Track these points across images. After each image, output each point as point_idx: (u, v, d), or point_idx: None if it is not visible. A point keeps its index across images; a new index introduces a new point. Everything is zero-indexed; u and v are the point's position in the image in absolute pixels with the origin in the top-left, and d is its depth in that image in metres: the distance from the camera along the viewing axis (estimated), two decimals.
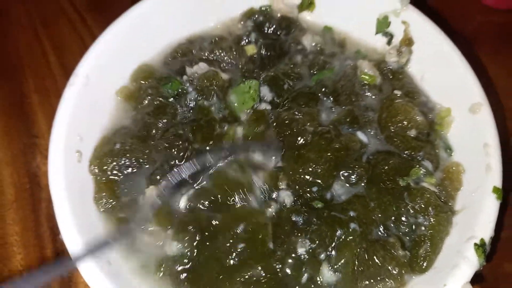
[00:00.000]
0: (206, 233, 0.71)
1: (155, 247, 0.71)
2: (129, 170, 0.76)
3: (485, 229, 0.66)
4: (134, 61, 0.86)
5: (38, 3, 1.13)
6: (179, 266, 0.70)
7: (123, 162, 0.76)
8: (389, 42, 0.88)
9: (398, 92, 0.82)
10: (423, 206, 0.71)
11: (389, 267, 0.68)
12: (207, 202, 0.73)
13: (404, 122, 0.78)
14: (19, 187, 0.89)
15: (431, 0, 0.96)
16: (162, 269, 0.70)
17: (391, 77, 0.86)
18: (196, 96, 0.83)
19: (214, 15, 0.93)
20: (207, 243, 0.70)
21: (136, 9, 0.85)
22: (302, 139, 0.77)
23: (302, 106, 0.81)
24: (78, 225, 0.66)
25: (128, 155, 0.76)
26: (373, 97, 0.83)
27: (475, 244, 0.65)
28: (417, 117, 0.78)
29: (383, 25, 0.87)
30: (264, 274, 0.68)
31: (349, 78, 0.84)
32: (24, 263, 0.82)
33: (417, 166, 0.75)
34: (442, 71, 0.81)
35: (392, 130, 0.79)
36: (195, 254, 0.70)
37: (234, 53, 0.88)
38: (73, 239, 0.65)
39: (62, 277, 0.81)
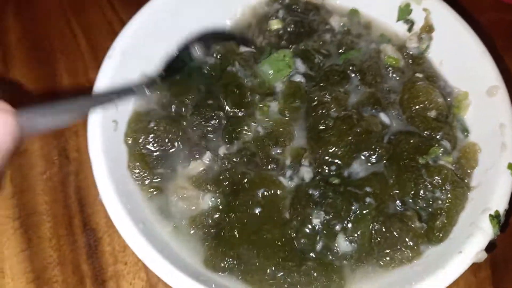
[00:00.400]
0: (236, 187, 0.75)
1: (189, 210, 0.75)
2: (162, 148, 0.79)
3: (500, 202, 0.69)
4: (164, 44, 0.88)
5: None
6: (210, 220, 0.74)
7: (156, 140, 0.79)
8: (409, 29, 0.92)
9: (419, 75, 0.86)
10: (440, 182, 0.74)
11: (406, 238, 0.71)
12: (247, 157, 0.77)
13: (426, 103, 0.81)
14: (48, 160, 0.93)
15: None
16: (194, 226, 0.74)
17: (411, 62, 0.89)
18: (219, 63, 0.85)
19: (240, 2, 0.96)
20: (234, 199, 0.75)
21: None
22: (323, 124, 0.80)
23: (335, 85, 0.84)
24: (115, 187, 0.69)
25: (161, 135, 0.79)
26: (397, 78, 0.87)
27: (490, 215, 0.68)
28: (438, 99, 0.82)
29: (404, 12, 0.90)
30: (279, 240, 0.72)
31: (375, 60, 0.87)
32: (53, 231, 0.85)
33: (436, 145, 0.78)
34: (460, 56, 0.84)
35: (414, 111, 0.82)
36: (226, 207, 0.74)
37: (256, 29, 0.92)
38: (111, 199, 0.68)
39: (89, 245, 0.85)
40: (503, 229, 0.70)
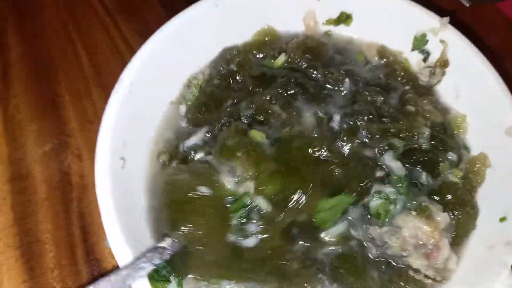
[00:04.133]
0: None
1: None
2: None
3: None
4: (178, 70, 0.87)
5: (71, 6, 1.14)
6: None
7: None
8: (425, 60, 0.89)
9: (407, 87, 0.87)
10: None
11: None
12: None
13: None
14: (51, 185, 0.90)
15: (455, 14, 0.97)
16: None
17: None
18: None
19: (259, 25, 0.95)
20: None
21: (180, 18, 0.84)
22: None
23: None
24: (125, 232, 0.66)
25: None
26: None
27: None
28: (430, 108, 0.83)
29: (420, 43, 0.88)
30: None
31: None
32: (56, 261, 0.83)
33: (445, 161, 0.78)
34: (478, 92, 0.82)
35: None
36: None
37: None
38: (120, 246, 0.65)
39: (92, 276, 0.83)
40: None
